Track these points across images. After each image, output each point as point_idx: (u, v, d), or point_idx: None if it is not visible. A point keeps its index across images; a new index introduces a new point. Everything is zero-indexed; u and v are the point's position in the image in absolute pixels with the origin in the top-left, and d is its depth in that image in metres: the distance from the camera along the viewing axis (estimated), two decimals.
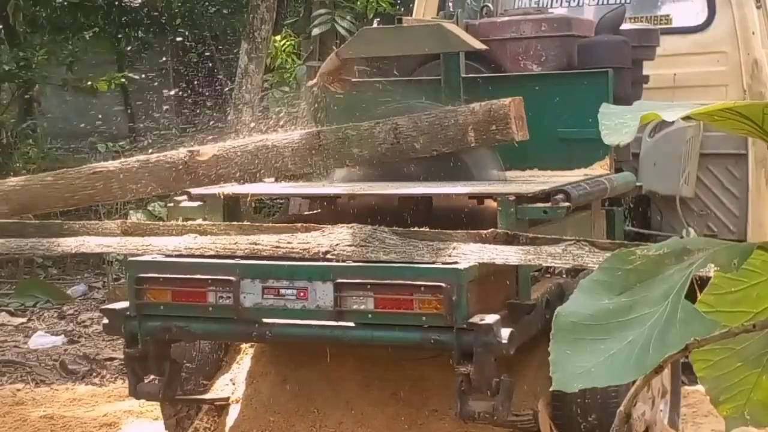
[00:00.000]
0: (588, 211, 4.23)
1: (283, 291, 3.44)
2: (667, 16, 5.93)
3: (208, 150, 4.18)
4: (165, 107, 14.98)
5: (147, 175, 4.18)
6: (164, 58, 15.33)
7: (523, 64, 4.89)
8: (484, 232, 3.26)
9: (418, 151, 4.06)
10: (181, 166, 4.16)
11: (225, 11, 14.15)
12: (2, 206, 4.22)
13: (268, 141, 4.17)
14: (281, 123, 4.80)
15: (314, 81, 4.80)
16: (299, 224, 3.50)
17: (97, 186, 4.21)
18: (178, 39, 15.23)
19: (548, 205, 3.49)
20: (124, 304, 3.71)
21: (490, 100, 4.00)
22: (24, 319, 7.71)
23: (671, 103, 1.35)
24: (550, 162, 4.43)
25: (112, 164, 4.27)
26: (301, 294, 3.41)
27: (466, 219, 3.89)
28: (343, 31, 9.47)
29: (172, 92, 14.82)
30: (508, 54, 4.92)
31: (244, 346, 4.27)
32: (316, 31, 9.68)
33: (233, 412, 4.11)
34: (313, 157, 4.14)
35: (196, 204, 4.03)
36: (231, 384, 4.19)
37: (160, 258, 3.65)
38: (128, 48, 13.97)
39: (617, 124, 1.30)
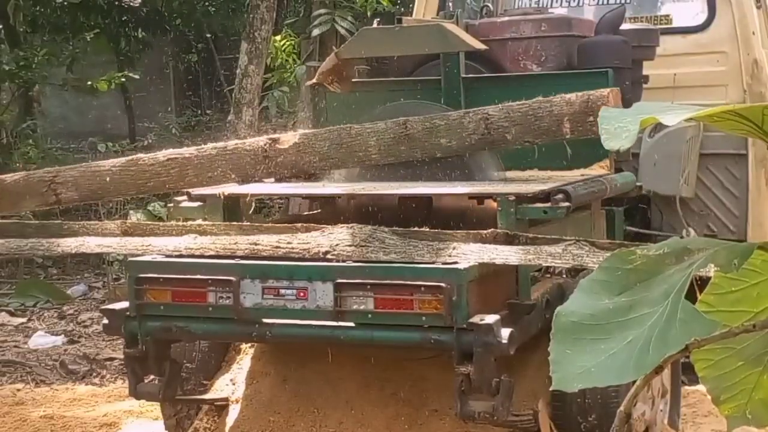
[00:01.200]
0: (588, 211, 4.23)
1: (283, 291, 3.44)
2: (667, 16, 5.93)
3: (289, 138, 4.09)
4: (165, 107, 14.99)
5: (224, 162, 4.08)
6: (164, 58, 15.33)
7: (523, 64, 4.89)
8: (484, 232, 3.26)
9: (509, 143, 3.95)
10: (260, 154, 4.06)
11: (225, 11, 14.15)
12: (72, 193, 4.13)
13: (353, 129, 4.05)
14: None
15: (314, 81, 4.80)
16: (299, 224, 3.50)
17: (171, 173, 4.11)
18: (178, 39, 15.23)
19: (548, 205, 3.48)
20: (124, 304, 3.71)
21: (586, 91, 3.89)
22: (24, 319, 7.71)
23: (671, 105, 1.35)
24: (550, 162, 4.43)
25: (187, 151, 4.15)
26: (301, 294, 3.41)
27: (466, 219, 3.89)
28: (342, 31, 9.47)
29: (172, 92, 14.82)
30: (508, 54, 4.92)
31: (244, 346, 4.27)
32: (316, 32, 9.69)
33: (233, 412, 4.11)
34: (399, 147, 4.01)
35: (196, 204, 4.03)
36: (231, 384, 4.20)
37: (160, 258, 3.65)
38: (128, 48, 13.97)
39: (617, 128, 1.30)
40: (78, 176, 4.17)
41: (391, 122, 4.04)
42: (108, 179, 4.14)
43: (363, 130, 4.04)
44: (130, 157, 4.24)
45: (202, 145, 4.15)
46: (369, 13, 9.93)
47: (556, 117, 3.85)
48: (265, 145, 4.07)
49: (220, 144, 4.17)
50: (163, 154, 4.15)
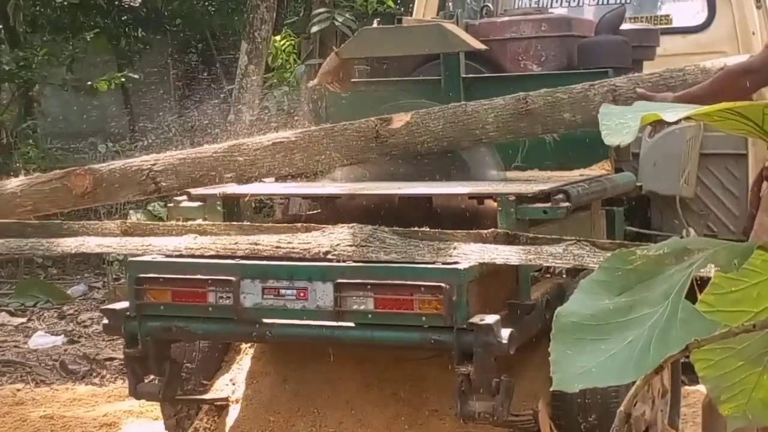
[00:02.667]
0: (588, 212, 4.23)
1: (283, 291, 3.44)
2: (667, 16, 5.93)
3: (401, 117, 3.97)
4: (165, 107, 14.99)
5: (332, 144, 3.96)
6: (164, 58, 15.33)
7: (523, 64, 4.90)
8: (485, 232, 3.26)
9: None
10: (370, 135, 3.93)
11: (225, 11, 14.15)
12: (171, 181, 4.04)
13: (468, 107, 3.93)
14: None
15: (314, 81, 4.81)
16: (299, 224, 3.50)
17: (277, 157, 4.00)
18: (178, 39, 15.23)
19: (548, 205, 3.49)
20: (124, 304, 3.71)
21: (723, 58, 3.78)
22: (24, 319, 7.71)
23: (671, 104, 1.35)
24: (550, 162, 4.43)
25: (294, 134, 4.05)
26: (301, 294, 3.41)
27: (466, 219, 3.89)
28: (343, 27, 9.46)
29: (172, 92, 14.82)
30: (508, 54, 4.92)
31: (244, 346, 4.27)
32: (315, 29, 9.69)
33: (233, 412, 4.11)
34: (518, 124, 3.89)
35: (196, 204, 4.03)
36: (231, 384, 4.19)
37: (160, 258, 3.65)
38: (128, 48, 13.97)
39: (618, 124, 1.30)
40: (177, 164, 4.06)
41: (509, 98, 3.90)
42: (210, 166, 4.04)
43: (480, 107, 3.90)
44: (232, 142, 4.12)
45: (308, 128, 4.05)
46: (369, 13, 9.93)
47: (690, 86, 3.65)
48: (375, 126, 3.93)
49: (327, 126, 4.05)
50: (267, 138, 4.04)
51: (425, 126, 3.94)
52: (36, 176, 4.18)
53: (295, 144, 3.98)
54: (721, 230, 5.54)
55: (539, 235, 3.24)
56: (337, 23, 9.43)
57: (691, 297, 1.31)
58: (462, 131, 3.91)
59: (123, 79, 11.59)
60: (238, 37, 10.67)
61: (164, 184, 4.06)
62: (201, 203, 4.02)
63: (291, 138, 4.00)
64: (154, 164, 4.05)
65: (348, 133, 3.97)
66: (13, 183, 4.16)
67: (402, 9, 11.05)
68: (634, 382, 1.29)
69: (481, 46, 4.65)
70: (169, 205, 4.24)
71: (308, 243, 3.38)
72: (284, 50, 10.35)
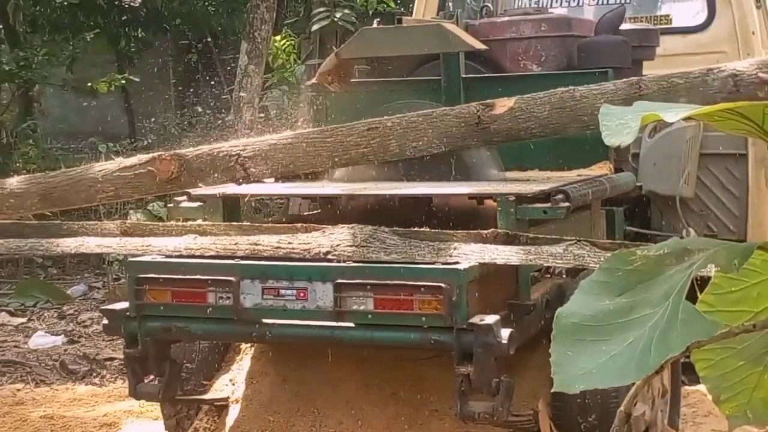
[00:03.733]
0: (588, 212, 4.23)
1: (282, 291, 3.44)
2: (667, 16, 5.93)
3: (504, 103, 3.82)
4: (165, 107, 14.99)
5: (431, 131, 3.80)
6: (164, 58, 15.33)
7: (523, 64, 4.89)
8: (485, 232, 3.26)
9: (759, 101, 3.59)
10: (471, 121, 3.76)
11: (225, 11, 14.15)
12: (261, 167, 3.90)
13: (576, 92, 3.78)
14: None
15: (314, 81, 4.80)
16: (300, 224, 3.50)
17: (372, 144, 3.85)
18: (178, 39, 15.23)
19: (548, 205, 3.48)
20: (124, 304, 3.71)
21: None
22: (24, 319, 7.71)
23: (671, 104, 1.35)
24: (550, 162, 4.43)
25: (390, 119, 3.89)
26: (301, 294, 3.41)
27: (466, 219, 3.89)
28: (344, 24, 9.45)
29: (172, 92, 14.82)
30: (508, 54, 4.92)
31: (244, 346, 4.27)
32: (315, 27, 9.68)
33: (233, 412, 4.11)
34: None
35: (195, 204, 4.03)
36: (231, 384, 4.19)
37: (160, 258, 3.65)
38: (128, 48, 13.97)
39: (618, 125, 1.30)
40: (268, 149, 3.92)
41: (621, 83, 3.78)
42: (302, 152, 3.90)
43: (589, 92, 3.76)
44: (324, 128, 4.01)
45: (405, 114, 3.89)
46: (370, 13, 9.93)
47: None
48: (477, 111, 3.77)
49: (426, 111, 3.92)
50: (362, 124, 3.89)
51: (530, 112, 3.80)
52: (119, 161, 4.04)
53: (391, 130, 3.84)
54: (721, 230, 5.53)
55: (539, 236, 3.24)
56: (335, 18, 9.42)
57: (692, 297, 1.31)
58: (570, 117, 3.76)
59: (123, 82, 11.59)
60: (238, 37, 10.67)
61: (254, 170, 3.92)
62: (201, 203, 4.02)
63: (387, 124, 3.86)
64: (243, 150, 3.92)
65: (448, 119, 3.82)
66: (95, 168, 4.04)
67: (402, 9, 11.06)
68: (634, 383, 1.29)
69: (481, 46, 4.65)
70: (169, 205, 4.23)
71: (308, 243, 3.38)
72: (284, 50, 10.35)
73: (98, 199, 4.06)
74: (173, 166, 3.87)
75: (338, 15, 9.44)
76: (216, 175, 3.93)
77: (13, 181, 4.09)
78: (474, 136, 3.81)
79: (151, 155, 4.00)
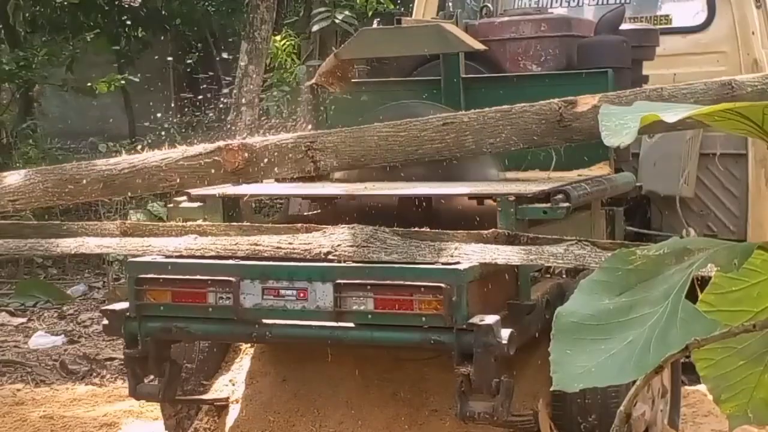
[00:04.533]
0: (588, 212, 4.23)
1: (282, 291, 3.44)
2: (667, 16, 5.93)
3: (588, 100, 3.69)
4: (165, 107, 14.98)
5: (509, 127, 3.68)
6: (164, 58, 15.33)
7: (522, 64, 4.89)
8: (485, 232, 3.26)
9: None
10: (552, 118, 3.64)
11: (225, 11, 14.14)
12: (331, 159, 3.82)
13: (664, 91, 3.64)
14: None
15: (314, 81, 4.80)
16: (300, 225, 3.50)
17: (447, 139, 3.73)
18: (178, 39, 15.23)
19: (548, 205, 3.49)
20: (124, 304, 3.71)
21: None
22: (24, 319, 7.71)
23: (671, 104, 1.35)
24: (549, 162, 4.43)
25: (466, 115, 3.78)
26: (301, 294, 3.41)
27: (465, 219, 3.89)
28: (343, 25, 9.45)
29: (172, 92, 14.82)
30: (508, 54, 4.92)
31: (243, 346, 4.27)
32: (315, 28, 9.68)
33: (233, 412, 4.12)
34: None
35: (195, 204, 4.03)
36: (231, 384, 4.20)
37: (160, 259, 3.65)
38: (128, 48, 13.97)
39: (618, 125, 1.30)
40: (338, 142, 3.83)
41: (712, 82, 3.66)
42: (374, 145, 3.80)
43: (677, 91, 3.64)
44: (399, 122, 3.88)
45: (482, 109, 3.77)
46: (369, 13, 9.92)
47: None
48: (559, 108, 3.65)
49: (504, 107, 3.79)
50: (437, 118, 3.80)
51: None
52: (183, 149, 3.94)
53: (468, 125, 3.72)
54: (721, 230, 5.54)
55: (540, 236, 3.24)
56: (337, 20, 9.42)
57: (692, 297, 1.31)
58: None
59: (123, 82, 11.59)
60: (238, 37, 10.67)
61: (323, 163, 3.82)
62: (201, 204, 4.02)
63: (463, 119, 3.74)
64: (312, 141, 3.83)
65: (527, 116, 3.69)
66: (157, 156, 3.94)
67: (402, 9, 11.06)
68: (634, 382, 1.29)
69: (481, 47, 4.65)
70: (169, 205, 4.23)
71: (309, 243, 3.38)
72: (284, 50, 10.35)
73: (161, 188, 3.97)
74: (240, 156, 3.78)
75: (340, 17, 9.44)
76: (284, 166, 3.84)
77: (73, 167, 4.02)
78: (554, 134, 3.69)
79: (216, 144, 3.90)
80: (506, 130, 3.69)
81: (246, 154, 3.79)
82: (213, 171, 3.83)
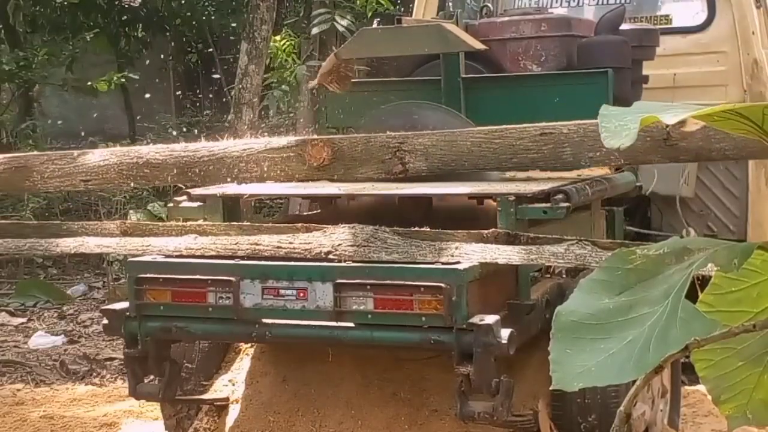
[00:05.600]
0: (588, 211, 4.23)
1: (282, 291, 3.44)
2: (667, 16, 5.93)
3: (699, 120, 3.60)
4: (165, 107, 14.98)
5: None
6: (164, 58, 15.33)
7: (523, 64, 4.90)
8: (486, 232, 3.26)
9: None
10: (659, 136, 3.51)
11: (225, 11, 14.15)
12: (420, 162, 3.72)
13: None
14: None
15: (314, 82, 4.80)
16: (300, 224, 3.50)
17: (543, 149, 3.63)
18: (178, 39, 15.23)
19: (548, 205, 3.48)
20: (124, 304, 3.71)
21: None
22: (24, 319, 7.71)
23: (671, 105, 1.35)
24: None
25: (565, 125, 3.64)
26: (301, 294, 3.41)
27: (466, 219, 3.89)
28: (342, 30, 9.47)
29: (172, 92, 14.82)
30: (508, 54, 4.92)
31: (243, 346, 4.27)
32: (315, 30, 9.69)
33: (233, 412, 4.11)
34: None
35: (196, 204, 4.03)
36: (231, 384, 4.19)
37: (160, 258, 3.65)
38: (128, 48, 13.97)
39: (617, 126, 1.30)
40: (430, 145, 3.73)
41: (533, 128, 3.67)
42: (466, 150, 3.70)
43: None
44: (494, 128, 3.76)
45: (582, 121, 3.64)
46: (369, 14, 9.92)
47: None
48: (666, 126, 3.38)
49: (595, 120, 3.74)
50: (534, 127, 3.67)
51: (724, 131, 3.62)
52: (266, 140, 3.90)
53: (567, 137, 3.61)
54: (721, 230, 5.53)
55: (540, 235, 3.24)
56: (340, 28, 9.42)
57: (693, 297, 1.31)
58: None
59: (123, 80, 11.59)
60: (238, 37, 10.67)
61: (412, 165, 3.74)
62: (201, 203, 4.02)
63: (563, 130, 3.62)
64: (402, 143, 3.74)
65: None
66: (238, 146, 3.90)
67: (402, 9, 11.06)
68: (633, 382, 1.29)
69: (481, 47, 4.65)
70: (169, 205, 4.23)
71: (309, 243, 3.38)
72: (284, 50, 10.35)
73: (241, 178, 3.90)
74: (325, 152, 3.73)
75: (343, 23, 9.43)
76: (370, 165, 3.76)
77: (150, 151, 3.98)
78: (658, 152, 3.57)
79: (302, 138, 3.83)
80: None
81: (331, 151, 3.73)
82: (296, 165, 3.78)
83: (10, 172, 4.15)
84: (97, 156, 3.99)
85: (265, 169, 3.81)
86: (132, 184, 4.06)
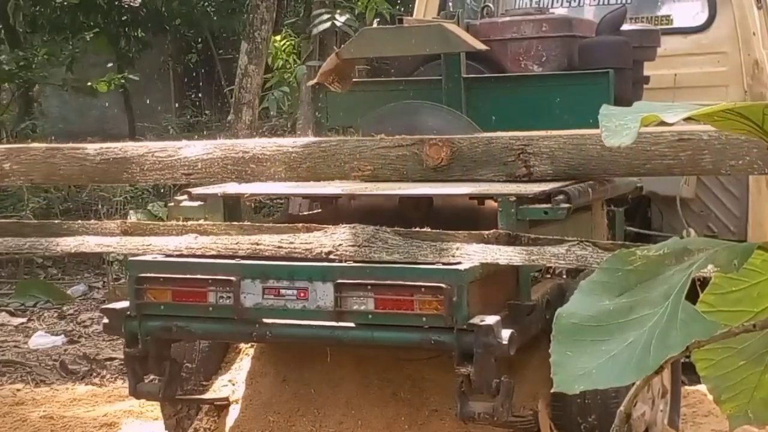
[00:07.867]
0: (589, 212, 4.22)
1: (283, 291, 3.44)
2: (668, 16, 5.93)
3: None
4: (165, 107, 14.99)
5: (755, 150, 3.27)
6: (164, 58, 15.34)
7: (523, 64, 4.90)
8: (487, 232, 3.26)
9: None
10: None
11: (225, 11, 14.15)
12: (546, 166, 3.56)
13: None
14: None
15: (315, 81, 4.81)
16: (301, 224, 3.50)
17: (681, 156, 3.42)
18: (178, 39, 15.24)
19: (549, 206, 3.48)
20: (125, 303, 3.71)
21: None
22: (24, 319, 7.71)
23: (672, 105, 1.35)
24: None
25: (706, 132, 3.39)
26: (302, 294, 3.41)
27: (466, 219, 3.89)
28: (344, 27, 9.46)
29: (172, 92, 14.82)
30: (509, 54, 4.92)
31: (243, 346, 4.27)
32: (315, 31, 9.69)
33: (233, 412, 4.11)
34: None
35: (196, 204, 4.03)
36: (231, 384, 4.19)
37: (160, 258, 3.65)
38: (128, 48, 13.98)
39: (618, 125, 1.30)
40: (556, 147, 3.54)
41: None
42: (595, 154, 3.49)
43: None
44: (586, 131, 3.60)
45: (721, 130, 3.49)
46: (371, 17, 9.92)
47: None
48: None
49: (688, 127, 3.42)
50: (670, 131, 3.42)
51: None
52: (380, 138, 3.74)
53: (707, 144, 3.39)
54: (721, 230, 5.53)
55: (541, 236, 3.24)
56: (338, 24, 9.42)
57: (693, 297, 1.31)
58: None
59: (123, 80, 11.60)
60: (238, 37, 10.67)
61: (538, 169, 3.57)
62: (201, 203, 4.02)
63: (703, 137, 3.41)
64: (527, 144, 3.57)
65: (730, 140, 3.34)
66: (349, 143, 3.75)
67: (402, 9, 11.06)
68: (634, 383, 1.29)
69: (482, 47, 4.65)
70: (169, 204, 4.22)
71: (310, 243, 3.38)
72: (284, 50, 10.35)
73: (353, 177, 3.76)
74: (444, 152, 3.59)
75: (341, 19, 9.43)
76: (491, 168, 3.61)
77: (256, 145, 3.84)
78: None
79: (418, 137, 3.69)
80: (751, 153, 3.31)
81: (450, 151, 3.59)
82: (412, 165, 3.65)
83: (108, 163, 3.97)
84: (200, 148, 3.84)
85: (379, 168, 3.68)
86: (235, 180, 3.87)
